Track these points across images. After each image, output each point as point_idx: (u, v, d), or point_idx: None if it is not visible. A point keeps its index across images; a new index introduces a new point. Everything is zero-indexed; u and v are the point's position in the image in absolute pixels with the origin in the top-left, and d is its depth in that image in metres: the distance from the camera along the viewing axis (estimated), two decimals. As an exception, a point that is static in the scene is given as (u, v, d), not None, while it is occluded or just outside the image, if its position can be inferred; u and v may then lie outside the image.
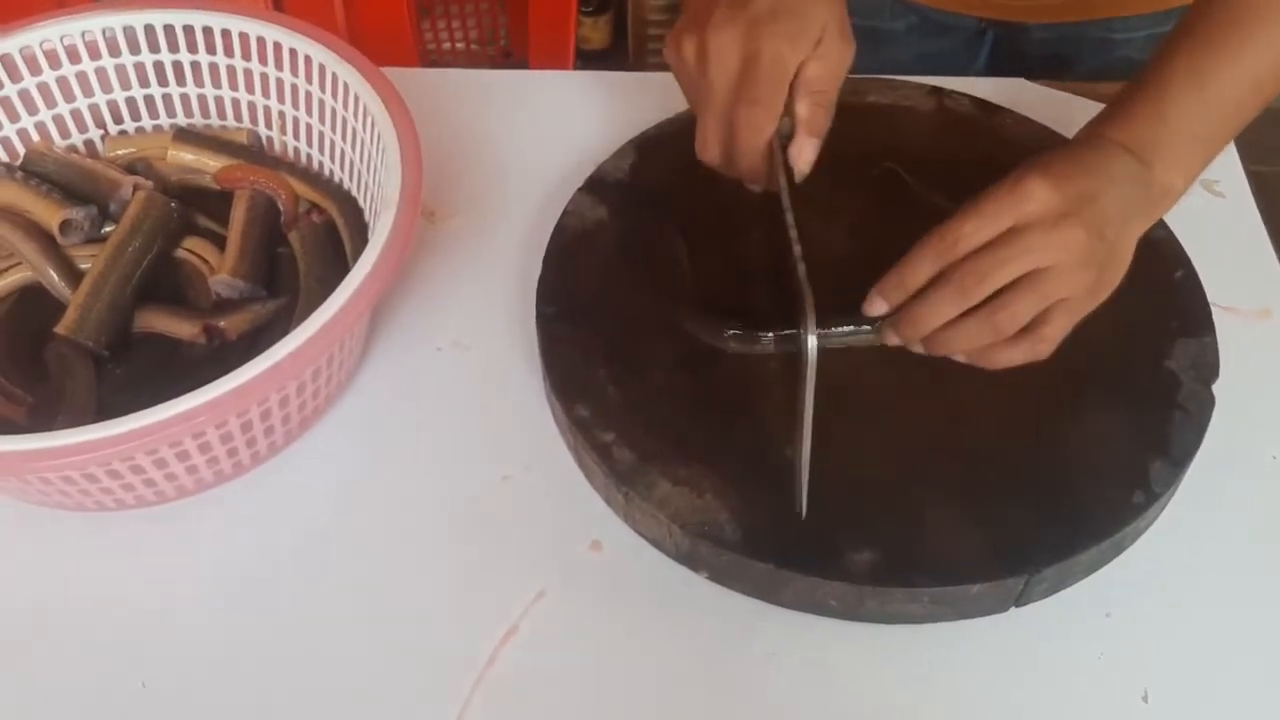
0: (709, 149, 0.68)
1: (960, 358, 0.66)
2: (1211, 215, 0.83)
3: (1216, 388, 0.70)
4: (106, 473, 0.63)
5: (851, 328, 0.70)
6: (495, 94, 0.93)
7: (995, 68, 1.06)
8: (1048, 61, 1.00)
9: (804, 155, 0.66)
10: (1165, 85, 0.66)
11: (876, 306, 0.66)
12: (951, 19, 1.00)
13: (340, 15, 1.26)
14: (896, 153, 0.82)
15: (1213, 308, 0.74)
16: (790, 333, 0.70)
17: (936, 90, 0.87)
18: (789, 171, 0.66)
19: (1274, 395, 0.74)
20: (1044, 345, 0.64)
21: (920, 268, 0.64)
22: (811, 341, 0.60)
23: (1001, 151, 0.82)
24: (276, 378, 0.59)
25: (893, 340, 0.67)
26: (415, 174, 0.68)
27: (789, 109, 0.65)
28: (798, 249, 0.63)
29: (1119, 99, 0.68)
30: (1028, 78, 0.92)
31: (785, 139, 0.66)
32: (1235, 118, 0.67)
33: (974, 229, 0.62)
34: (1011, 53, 1.03)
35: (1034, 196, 0.62)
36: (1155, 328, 0.72)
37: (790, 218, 0.65)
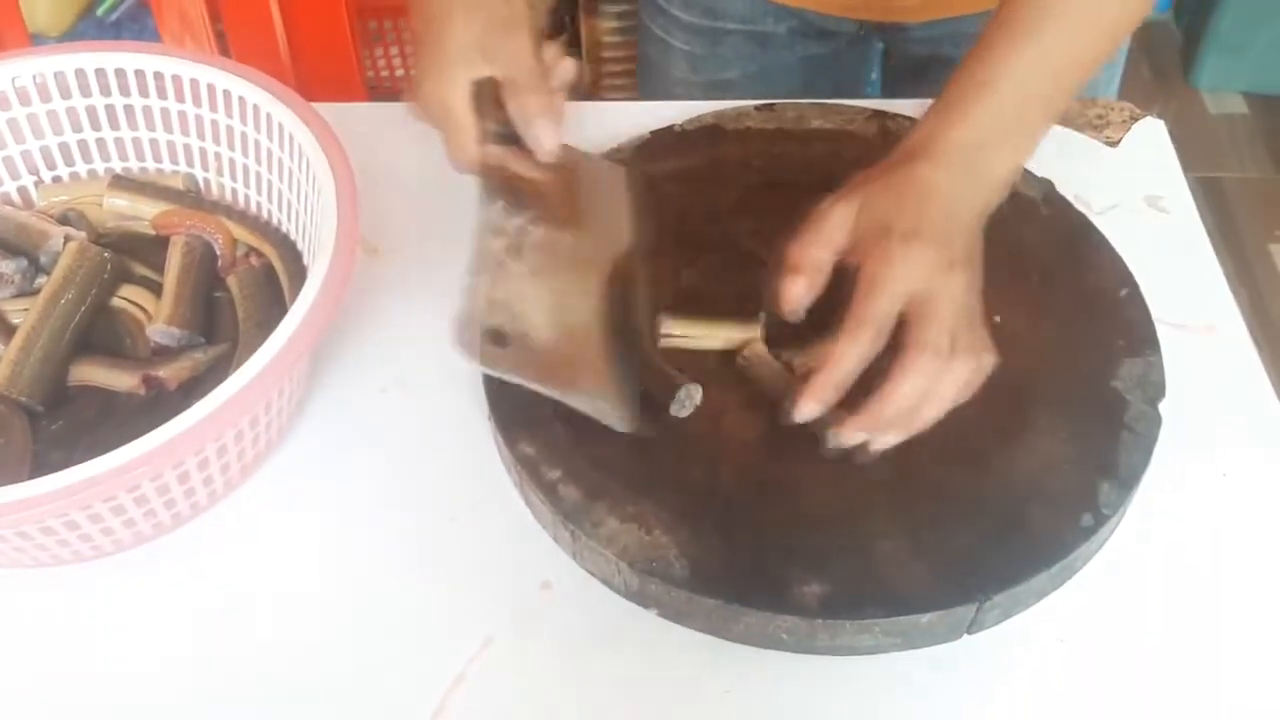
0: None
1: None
2: (1156, 231, 0.83)
3: (1163, 406, 0.70)
4: (40, 530, 0.61)
5: None
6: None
7: (891, 73, 1.09)
8: (938, 62, 1.00)
9: None
10: (993, 80, 0.66)
11: (809, 411, 0.63)
12: (832, 22, 1.01)
13: (283, 48, 1.25)
14: (841, 178, 0.81)
15: (1158, 324, 0.74)
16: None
17: (878, 114, 0.86)
18: None
19: (1221, 411, 0.73)
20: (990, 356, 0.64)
21: (849, 361, 0.61)
22: None
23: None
24: (211, 429, 0.58)
25: (856, 440, 0.64)
26: (351, 215, 0.67)
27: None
28: None
29: (950, 97, 0.68)
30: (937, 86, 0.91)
31: None
32: (1061, 99, 0.69)
33: (885, 309, 0.61)
34: (900, 56, 1.04)
35: (909, 258, 0.62)
36: (1100, 347, 0.72)
37: None
